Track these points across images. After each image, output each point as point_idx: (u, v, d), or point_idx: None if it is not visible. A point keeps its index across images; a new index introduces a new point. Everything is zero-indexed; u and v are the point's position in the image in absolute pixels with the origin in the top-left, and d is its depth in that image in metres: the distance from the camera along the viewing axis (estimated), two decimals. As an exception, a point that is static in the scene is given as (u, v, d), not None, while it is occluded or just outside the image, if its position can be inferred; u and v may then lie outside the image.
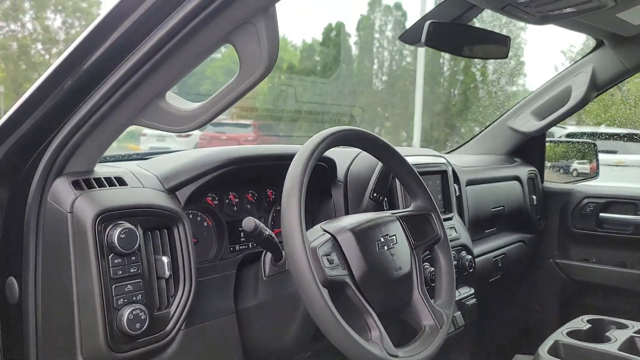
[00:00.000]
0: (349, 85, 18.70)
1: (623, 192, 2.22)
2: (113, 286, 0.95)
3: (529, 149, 2.37)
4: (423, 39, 1.44)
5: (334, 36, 18.81)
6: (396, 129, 18.57)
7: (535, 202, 2.29)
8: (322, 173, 1.43)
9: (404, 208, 1.51)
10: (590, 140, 2.53)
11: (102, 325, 0.93)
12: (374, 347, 0.97)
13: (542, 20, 1.48)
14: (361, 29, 20.16)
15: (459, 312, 1.63)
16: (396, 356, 1.00)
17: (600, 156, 2.47)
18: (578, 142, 2.72)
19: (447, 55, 14.31)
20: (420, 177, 1.25)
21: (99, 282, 0.93)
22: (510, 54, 1.65)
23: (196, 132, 13.99)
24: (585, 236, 2.24)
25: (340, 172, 1.48)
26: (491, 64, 11.82)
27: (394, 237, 1.12)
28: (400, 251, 1.12)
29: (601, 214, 2.20)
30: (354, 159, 1.51)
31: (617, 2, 1.36)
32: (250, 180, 1.37)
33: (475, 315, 1.70)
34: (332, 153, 1.39)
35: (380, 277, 1.06)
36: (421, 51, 11.99)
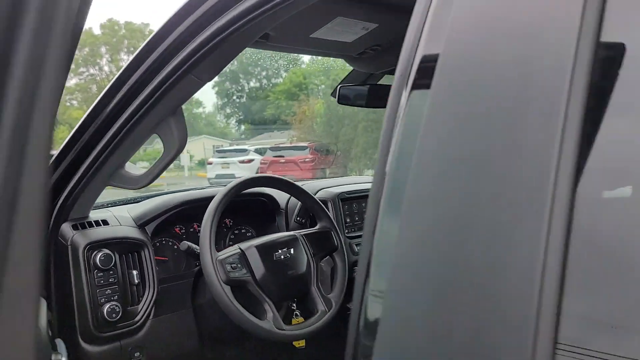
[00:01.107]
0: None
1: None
2: (97, 290, 1.48)
3: None
4: (337, 99, 1.91)
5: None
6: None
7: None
8: (264, 205, 1.93)
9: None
10: None
11: (90, 315, 1.47)
12: (265, 324, 1.44)
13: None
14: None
15: None
16: (283, 329, 1.47)
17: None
18: None
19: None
20: (322, 204, 1.73)
21: (87, 288, 1.47)
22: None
23: (257, 157, 14.97)
24: None
25: (282, 203, 1.98)
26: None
27: (291, 249, 1.60)
28: (296, 258, 1.59)
29: None
30: None
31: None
32: None
33: None
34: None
35: (276, 277, 1.54)
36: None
